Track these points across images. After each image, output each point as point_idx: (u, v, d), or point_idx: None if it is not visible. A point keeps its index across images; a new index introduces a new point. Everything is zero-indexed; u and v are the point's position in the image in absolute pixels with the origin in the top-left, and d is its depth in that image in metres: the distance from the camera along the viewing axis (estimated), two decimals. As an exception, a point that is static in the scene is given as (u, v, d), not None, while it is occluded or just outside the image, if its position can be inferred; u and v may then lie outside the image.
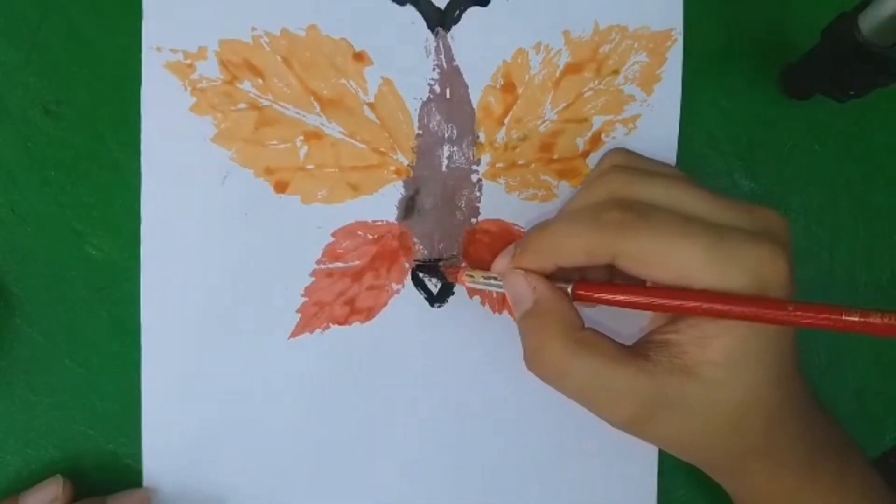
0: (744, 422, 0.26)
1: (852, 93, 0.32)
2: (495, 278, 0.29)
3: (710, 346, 0.25)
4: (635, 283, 0.27)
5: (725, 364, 0.25)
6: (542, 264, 0.28)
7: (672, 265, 0.25)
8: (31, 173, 0.31)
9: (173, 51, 0.31)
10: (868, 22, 0.28)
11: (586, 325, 0.27)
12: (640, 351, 0.26)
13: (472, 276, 0.30)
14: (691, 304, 0.25)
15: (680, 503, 0.35)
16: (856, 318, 0.23)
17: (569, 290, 0.27)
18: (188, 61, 0.31)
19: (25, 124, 0.30)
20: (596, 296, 0.27)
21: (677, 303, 0.25)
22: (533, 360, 0.28)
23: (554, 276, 0.28)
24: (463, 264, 0.33)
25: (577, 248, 0.27)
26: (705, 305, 0.24)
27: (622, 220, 0.26)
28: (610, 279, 0.30)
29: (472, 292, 0.33)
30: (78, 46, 0.31)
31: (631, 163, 0.31)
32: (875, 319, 0.22)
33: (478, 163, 0.33)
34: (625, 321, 0.32)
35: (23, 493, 0.29)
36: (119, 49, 0.31)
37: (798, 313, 0.24)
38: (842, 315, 0.23)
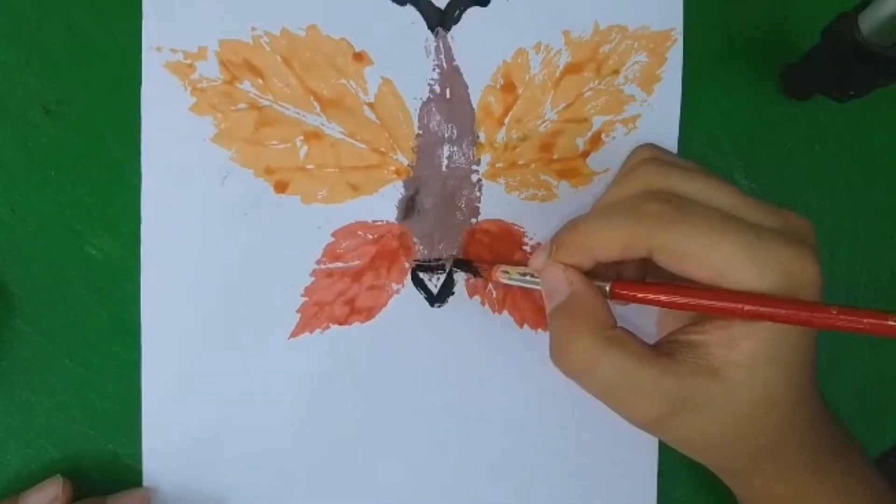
0: (760, 423, 0.26)
1: (852, 93, 0.32)
2: (531, 274, 0.30)
3: (737, 348, 0.25)
4: (674, 283, 0.27)
5: (749, 366, 0.25)
6: (579, 259, 0.28)
7: (711, 262, 0.25)
8: (31, 173, 0.31)
9: (173, 51, 0.31)
10: (868, 22, 0.28)
11: (618, 324, 0.27)
12: (665, 350, 0.26)
13: (507, 273, 0.30)
14: (735, 305, 0.24)
15: (680, 503, 0.35)
16: None
17: (606, 288, 0.27)
18: (188, 61, 0.31)
19: (25, 124, 0.30)
20: (634, 294, 0.27)
21: (720, 304, 0.25)
22: (560, 354, 0.27)
23: (590, 275, 0.28)
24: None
25: (614, 241, 0.26)
26: (747, 307, 0.24)
27: (661, 212, 0.26)
28: (642, 278, 0.30)
29: (471, 292, 0.33)
30: (78, 46, 0.31)
31: (663, 157, 0.30)
32: None
33: (478, 163, 0.33)
34: (643, 318, 0.32)
35: (23, 494, 0.29)
36: (119, 49, 0.31)
37: (842, 317, 0.23)
38: (886, 320, 0.23)
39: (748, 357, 0.25)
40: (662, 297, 0.26)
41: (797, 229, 0.26)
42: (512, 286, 0.32)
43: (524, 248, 0.33)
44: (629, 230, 0.26)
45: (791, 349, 0.26)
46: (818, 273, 0.25)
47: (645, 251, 0.26)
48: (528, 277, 0.30)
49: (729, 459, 0.28)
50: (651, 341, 0.28)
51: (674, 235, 0.25)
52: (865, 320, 0.23)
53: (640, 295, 0.27)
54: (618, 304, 0.30)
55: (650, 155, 0.31)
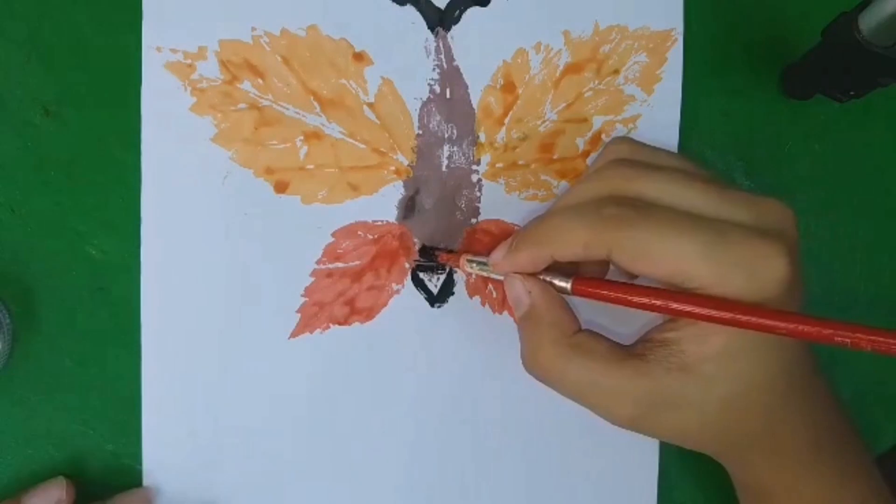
0: (741, 414, 0.26)
1: (852, 93, 0.32)
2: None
3: (707, 343, 0.25)
4: (632, 283, 0.27)
5: (720, 359, 0.25)
6: (540, 255, 0.27)
7: (666, 261, 0.25)
8: (31, 173, 0.31)
9: (173, 51, 0.31)
10: (868, 22, 0.28)
11: (582, 328, 0.28)
12: (637, 351, 0.26)
13: (472, 263, 0.30)
14: (681, 306, 0.25)
15: (680, 503, 0.35)
16: (847, 340, 0.23)
17: (568, 286, 0.27)
18: (188, 61, 0.31)
19: (25, 124, 0.30)
20: (595, 291, 0.27)
21: (671, 304, 0.25)
22: (530, 363, 0.28)
23: (553, 268, 0.28)
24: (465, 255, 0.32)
25: (575, 241, 0.26)
26: (687, 308, 0.24)
27: (620, 214, 0.26)
28: (604, 273, 0.30)
29: (472, 292, 0.33)
30: (78, 46, 0.31)
31: (634, 155, 0.30)
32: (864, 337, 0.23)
33: (478, 163, 0.33)
34: (627, 320, 0.32)
35: (25, 495, 0.29)
36: (119, 49, 0.31)
37: (780, 325, 0.23)
38: (835, 332, 0.23)
39: (718, 351, 0.25)
40: (619, 296, 0.26)
41: (771, 223, 0.26)
42: (481, 276, 0.32)
43: (524, 248, 0.33)
44: (587, 232, 0.26)
45: (765, 342, 0.25)
46: (788, 269, 0.24)
47: (604, 253, 0.26)
48: (489, 267, 0.29)
49: (719, 449, 0.28)
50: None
51: (630, 237, 0.25)
52: (818, 329, 0.23)
53: (600, 292, 0.27)
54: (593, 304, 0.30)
55: (619, 156, 0.30)
